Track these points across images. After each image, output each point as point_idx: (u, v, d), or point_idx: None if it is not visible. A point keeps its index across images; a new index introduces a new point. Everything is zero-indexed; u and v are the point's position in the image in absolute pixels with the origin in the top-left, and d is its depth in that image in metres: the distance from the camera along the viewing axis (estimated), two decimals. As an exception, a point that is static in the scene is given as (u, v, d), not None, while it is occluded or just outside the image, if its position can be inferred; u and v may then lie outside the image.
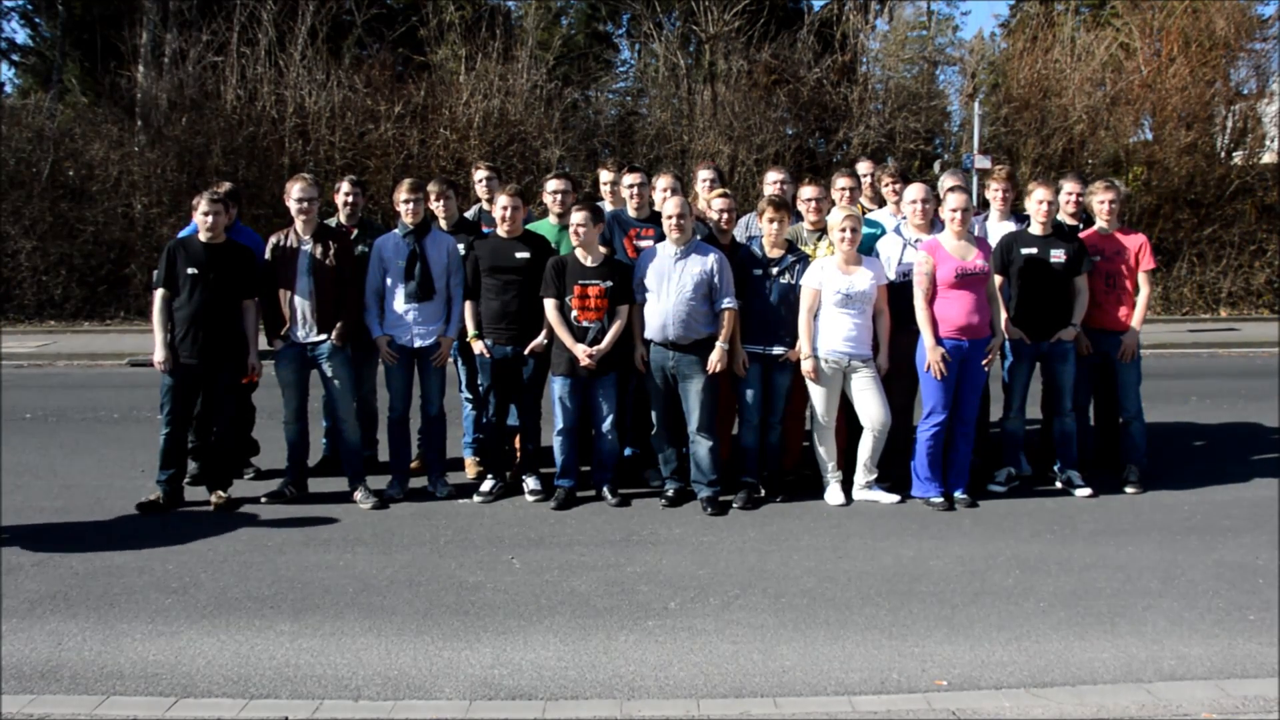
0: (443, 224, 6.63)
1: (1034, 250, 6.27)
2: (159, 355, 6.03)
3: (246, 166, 17.89)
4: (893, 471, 6.36)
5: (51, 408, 9.71)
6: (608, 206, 6.82)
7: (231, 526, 5.83)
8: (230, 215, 6.39)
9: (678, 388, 6.14)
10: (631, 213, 6.63)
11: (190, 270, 5.96)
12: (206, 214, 5.99)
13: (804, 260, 6.23)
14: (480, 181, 7.18)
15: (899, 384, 6.32)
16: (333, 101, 18.37)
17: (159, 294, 6.05)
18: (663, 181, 6.56)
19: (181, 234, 6.54)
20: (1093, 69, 19.43)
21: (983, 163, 16.09)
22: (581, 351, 6.03)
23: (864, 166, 7.51)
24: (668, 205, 6.11)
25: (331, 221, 6.66)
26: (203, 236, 6.06)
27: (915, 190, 6.35)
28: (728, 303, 6.04)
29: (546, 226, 6.71)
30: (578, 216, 6.02)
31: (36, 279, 17.60)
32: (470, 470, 6.90)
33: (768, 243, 6.23)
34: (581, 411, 6.29)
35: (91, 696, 3.73)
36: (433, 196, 6.55)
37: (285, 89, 18.48)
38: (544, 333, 6.23)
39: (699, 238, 6.26)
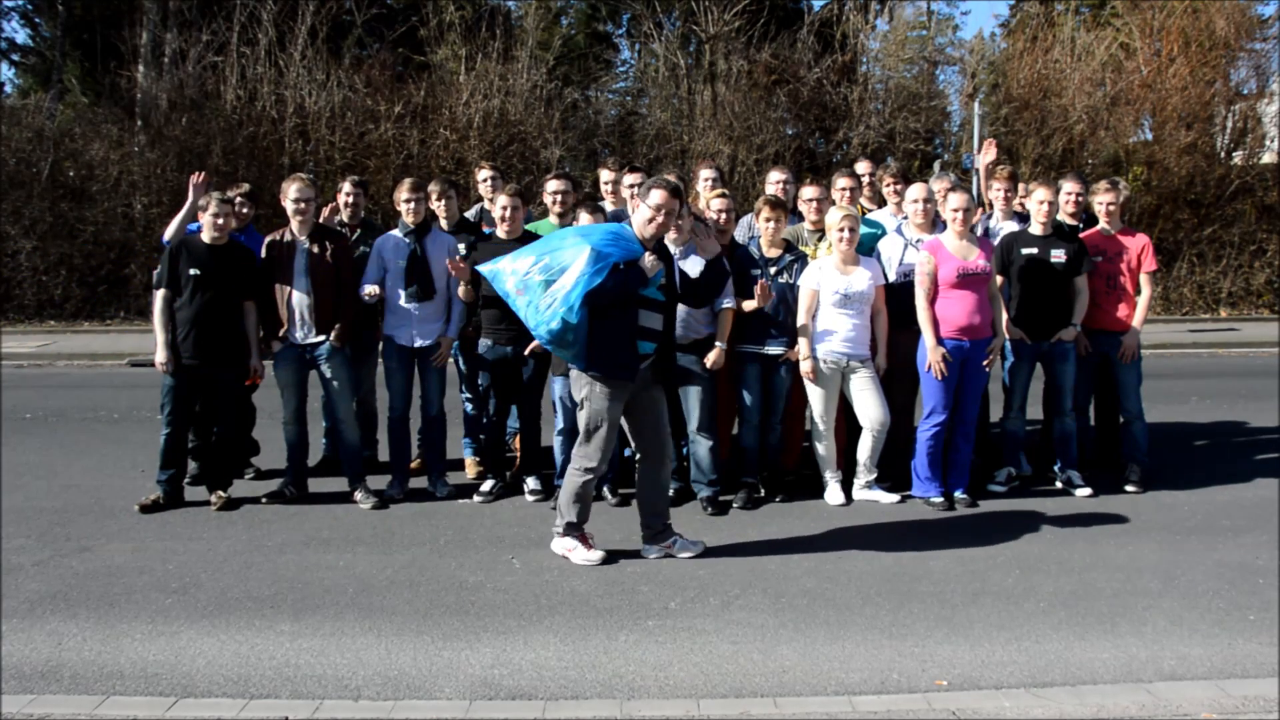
0: (444, 224, 6.64)
1: (1034, 250, 6.26)
2: (160, 356, 6.03)
3: (246, 166, 17.88)
4: (893, 471, 6.36)
5: (51, 408, 9.71)
6: (609, 206, 6.82)
7: (231, 526, 5.83)
8: (247, 216, 6.41)
9: (677, 388, 6.13)
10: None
11: (192, 270, 5.96)
12: (216, 215, 5.99)
13: (802, 260, 6.22)
14: (484, 181, 7.19)
15: (899, 384, 6.33)
16: (333, 101, 18.37)
17: (160, 294, 6.05)
18: (663, 182, 6.54)
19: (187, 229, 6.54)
20: (1093, 69, 19.43)
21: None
22: (582, 351, 6.01)
23: (864, 166, 7.51)
24: None
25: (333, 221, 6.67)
26: (206, 237, 6.06)
27: (917, 190, 6.35)
28: (726, 303, 6.03)
29: (547, 226, 6.70)
30: (585, 218, 6.02)
31: (36, 279, 17.60)
32: (470, 470, 6.90)
33: (765, 242, 6.22)
34: (581, 411, 6.28)
35: (91, 696, 3.73)
36: (434, 196, 6.56)
37: (285, 89, 18.47)
38: (544, 333, 6.22)
39: (698, 238, 6.25)
